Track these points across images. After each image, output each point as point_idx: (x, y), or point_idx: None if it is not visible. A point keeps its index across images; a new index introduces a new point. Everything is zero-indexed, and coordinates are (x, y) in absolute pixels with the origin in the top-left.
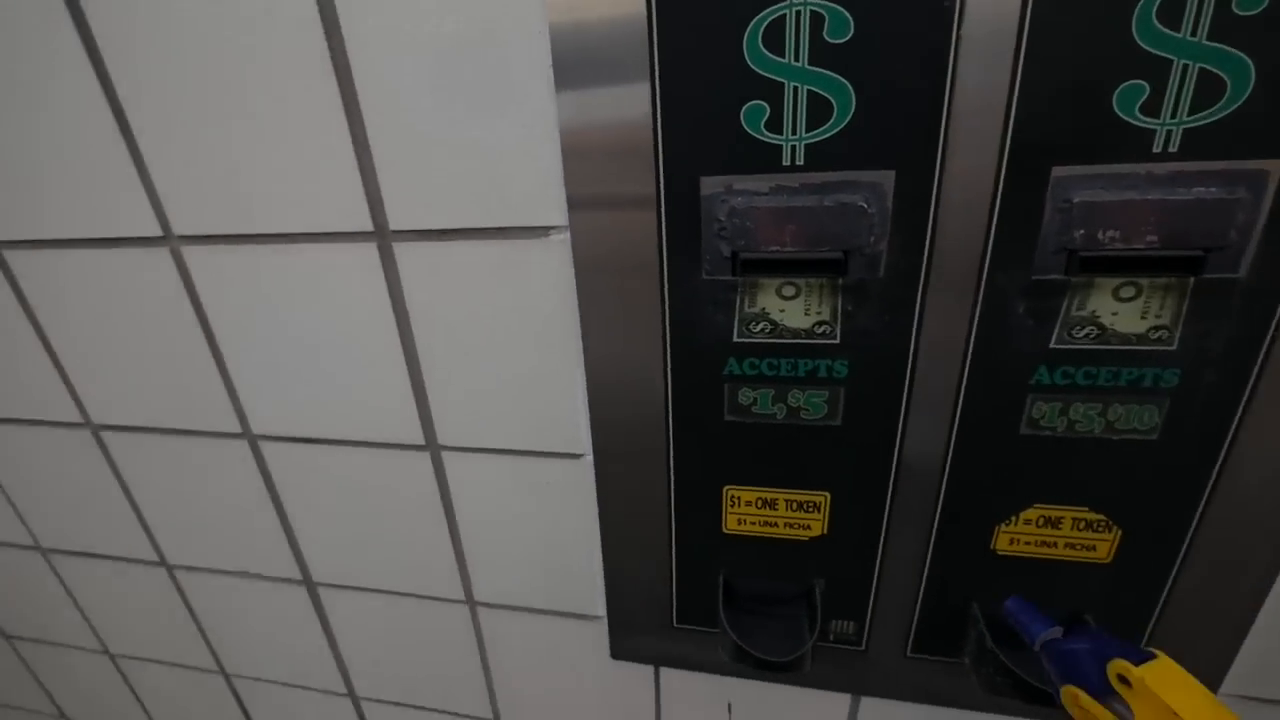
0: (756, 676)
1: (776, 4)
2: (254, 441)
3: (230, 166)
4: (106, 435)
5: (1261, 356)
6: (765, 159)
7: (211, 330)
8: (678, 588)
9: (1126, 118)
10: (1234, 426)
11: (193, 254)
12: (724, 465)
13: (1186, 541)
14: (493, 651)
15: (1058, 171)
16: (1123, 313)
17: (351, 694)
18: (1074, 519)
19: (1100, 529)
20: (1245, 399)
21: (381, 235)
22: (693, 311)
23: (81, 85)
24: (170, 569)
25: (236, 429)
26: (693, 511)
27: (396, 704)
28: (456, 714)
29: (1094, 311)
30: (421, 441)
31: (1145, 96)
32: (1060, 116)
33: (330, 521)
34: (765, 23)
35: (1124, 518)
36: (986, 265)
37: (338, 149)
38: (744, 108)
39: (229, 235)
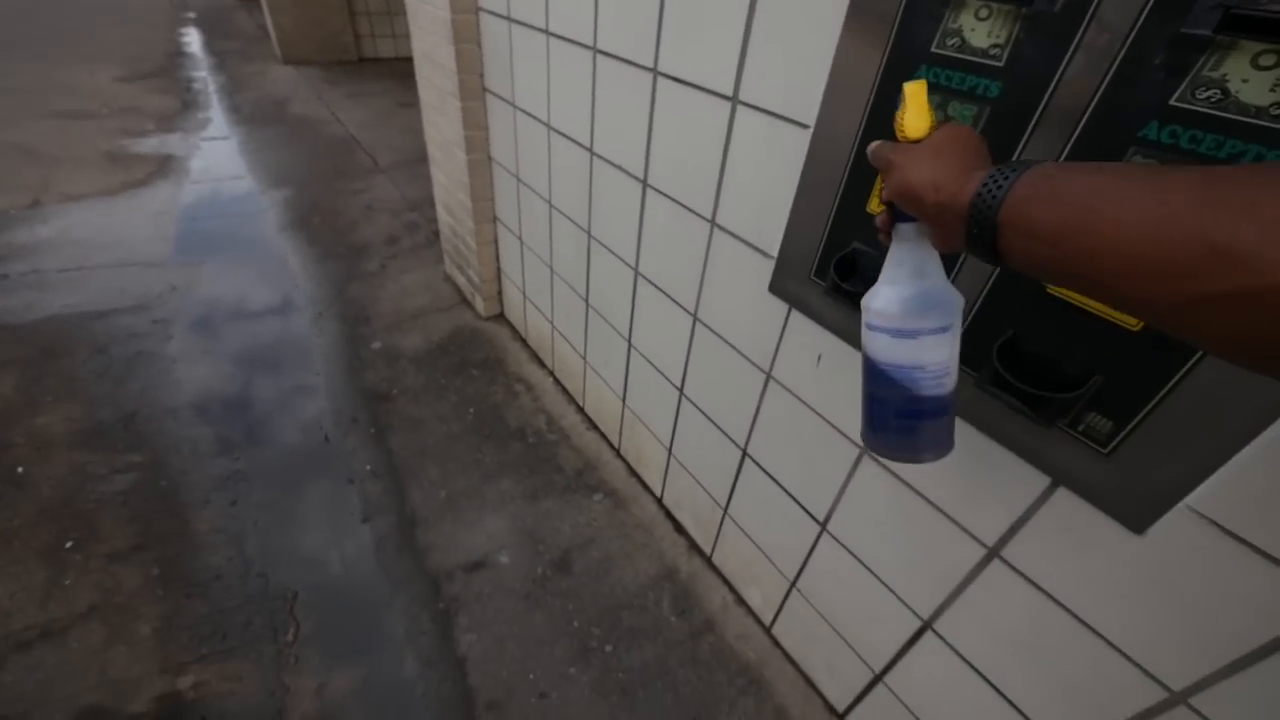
0: (838, 329)
1: None
2: (655, 77)
3: None
4: (600, 59)
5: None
6: None
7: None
8: (825, 247)
9: None
10: None
11: None
12: None
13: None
14: (713, 261)
15: None
16: (1254, 81)
17: (636, 267)
18: None
19: None
20: None
21: None
22: (910, 23)
23: None
24: (593, 154)
25: (650, 64)
26: (853, 190)
27: (652, 283)
28: (678, 302)
29: (1225, 75)
30: (730, 93)
31: None
32: None
33: (669, 139)
34: None
35: None
36: (1144, 11)
37: None
38: None
39: None
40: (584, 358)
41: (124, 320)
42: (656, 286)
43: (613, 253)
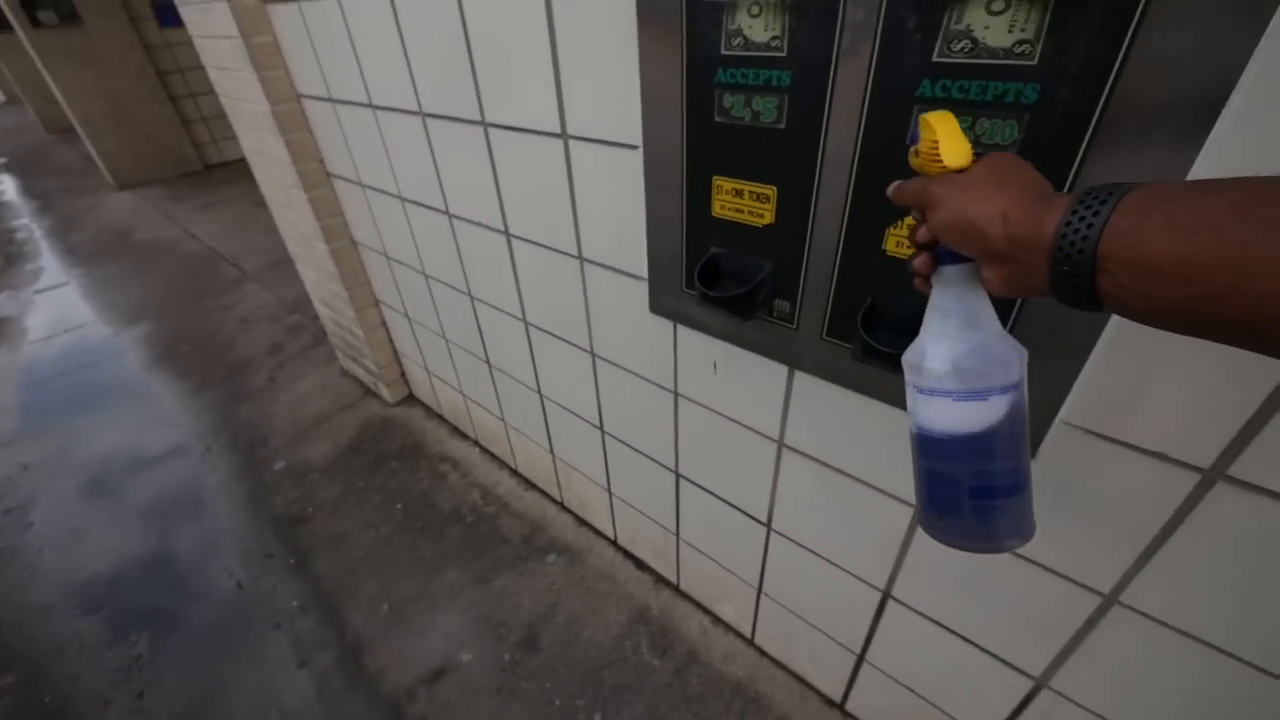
0: (725, 335)
1: None
2: (486, 129)
3: None
4: (429, 121)
5: (1114, 74)
6: None
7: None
8: (687, 257)
9: None
10: (1084, 144)
11: None
12: (713, 159)
13: None
14: (592, 295)
15: None
16: (993, 26)
17: (524, 318)
18: None
19: None
20: (1096, 117)
21: None
22: (696, 31)
23: None
24: (450, 216)
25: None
26: (695, 198)
27: (544, 330)
28: (573, 343)
29: (969, 25)
30: (559, 130)
31: None
32: None
33: (517, 186)
34: None
35: None
36: None
37: None
38: None
39: None
40: (503, 419)
41: None
42: (548, 332)
43: (498, 309)
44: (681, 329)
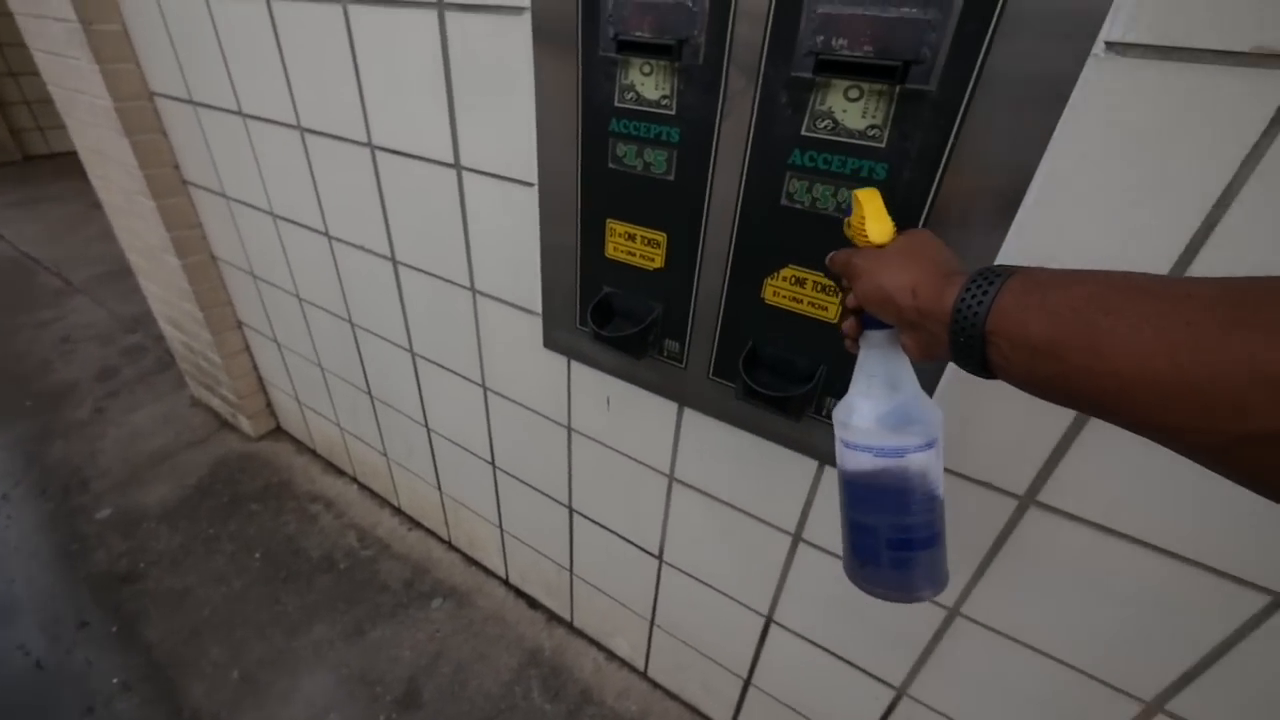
0: (617, 372)
1: None
2: (373, 151)
3: None
4: (309, 137)
5: (944, 162)
6: None
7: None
8: (581, 295)
9: None
10: (922, 219)
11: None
12: (606, 203)
13: None
14: (484, 327)
15: None
16: (850, 110)
17: (411, 348)
18: (814, 282)
19: (832, 293)
20: (932, 197)
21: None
22: (591, 81)
23: None
24: (330, 238)
25: (364, 139)
26: (589, 238)
27: (432, 361)
28: (464, 376)
29: (830, 108)
30: (452, 160)
31: None
32: None
33: (407, 213)
34: None
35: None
36: (764, 61)
37: None
38: None
39: None
40: (385, 454)
41: None
42: (437, 364)
43: (382, 338)
44: (575, 364)
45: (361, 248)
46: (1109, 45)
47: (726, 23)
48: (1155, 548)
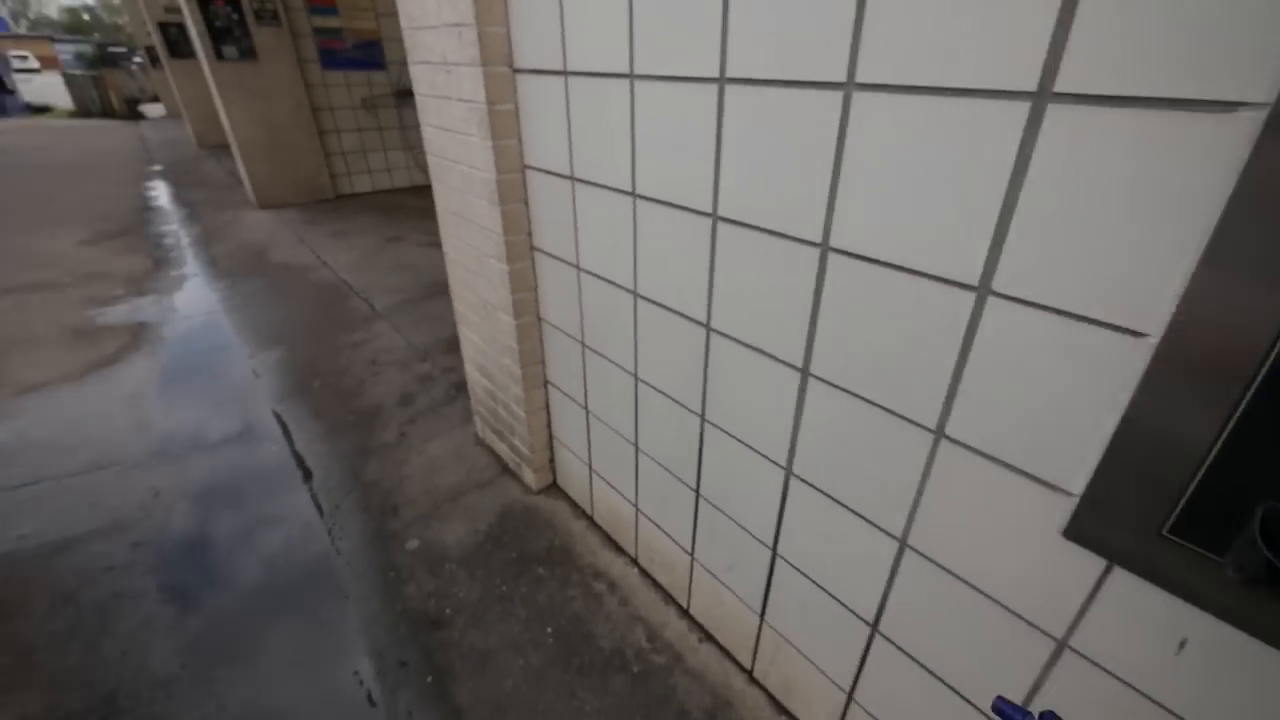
0: (1219, 608)
1: None
2: (824, 252)
3: None
4: (721, 226)
5: None
6: None
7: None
8: (1193, 497)
9: None
10: None
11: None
12: None
13: None
14: (937, 479)
15: None
16: None
17: (789, 467)
18: None
19: None
20: None
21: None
22: None
23: None
24: (710, 329)
25: (818, 239)
26: (1261, 427)
27: (819, 489)
28: (870, 520)
29: None
30: (974, 282)
31: None
32: None
33: (848, 324)
34: None
35: None
36: None
37: None
38: None
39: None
40: (690, 554)
41: (95, 548)
42: (826, 494)
43: (744, 444)
44: (1121, 574)
45: (759, 350)
46: None
47: None
48: None
